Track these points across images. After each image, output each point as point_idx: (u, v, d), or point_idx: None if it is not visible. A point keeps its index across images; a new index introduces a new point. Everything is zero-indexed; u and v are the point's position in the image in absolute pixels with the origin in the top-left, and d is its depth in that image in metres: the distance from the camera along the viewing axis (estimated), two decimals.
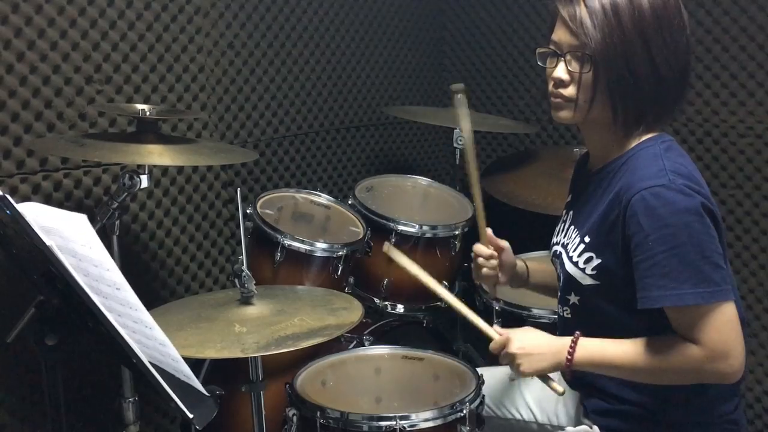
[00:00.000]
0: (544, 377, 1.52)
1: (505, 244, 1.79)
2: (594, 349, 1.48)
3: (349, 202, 2.42)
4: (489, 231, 1.78)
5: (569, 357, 1.48)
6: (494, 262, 1.77)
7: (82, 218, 1.12)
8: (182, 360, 1.24)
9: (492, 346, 1.55)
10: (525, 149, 3.16)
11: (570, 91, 1.48)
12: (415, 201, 2.66)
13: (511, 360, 1.51)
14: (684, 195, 1.38)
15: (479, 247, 1.78)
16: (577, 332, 1.50)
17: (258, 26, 2.53)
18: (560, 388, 1.52)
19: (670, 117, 1.53)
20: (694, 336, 1.39)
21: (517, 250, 2.50)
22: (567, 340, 1.50)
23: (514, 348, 1.50)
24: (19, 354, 1.93)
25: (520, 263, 1.83)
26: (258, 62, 2.54)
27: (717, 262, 1.39)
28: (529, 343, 1.51)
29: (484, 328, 1.60)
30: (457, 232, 2.40)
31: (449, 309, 2.47)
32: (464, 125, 1.80)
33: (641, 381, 1.49)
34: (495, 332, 1.56)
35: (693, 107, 2.68)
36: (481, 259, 1.77)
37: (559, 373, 1.60)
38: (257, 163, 2.57)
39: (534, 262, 1.86)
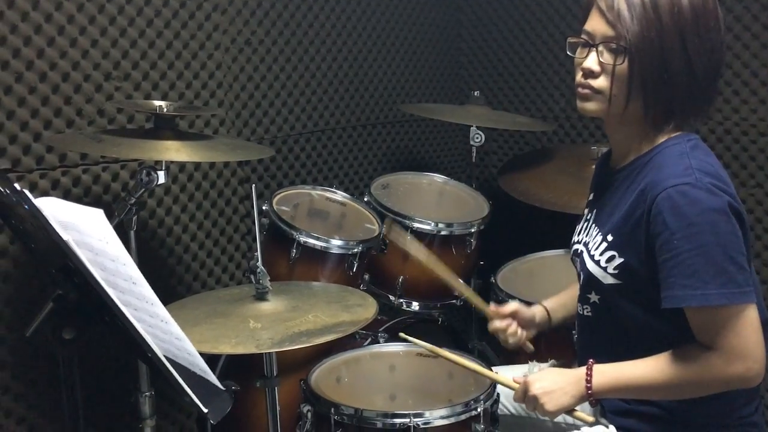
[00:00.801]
0: (570, 411, 1.51)
1: (513, 307, 1.79)
2: (611, 372, 1.47)
3: (365, 199, 2.42)
4: (491, 306, 1.81)
5: (588, 384, 1.47)
6: (514, 328, 1.78)
7: (99, 213, 1.13)
8: (198, 354, 1.25)
9: (515, 396, 1.56)
10: (542, 147, 3.15)
11: (599, 82, 1.46)
12: (431, 198, 2.65)
13: (535, 403, 1.50)
14: (711, 194, 1.37)
15: (495, 326, 1.79)
16: (591, 360, 1.50)
17: (275, 23, 2.54)
18: (589, 418, 1.51)
19: (699, 116, 1.51)
20: (714, 338, 1.38)
21: (534, 248, 2.52)
22: (583, 370, 1.49)
23: (534, 390, 1.50)
24: (37, 348, 1.95)
25: (539, 311, 1.82)
26: (275, 59, 2.55)
27: (741, 263, 1.37)
28: (547, 381, 1.50)
29: (503, 380, 1.62)
30: (472, 230, 2.39)
31: (465, 307, 2.50)
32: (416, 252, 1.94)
33: (665, 398, 1.48)
34: (513, 382, 1.57)
35: (713, 106, 2.65)
36: (501, 334, 1.79)
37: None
38: (273, 159, 2.58)
39: (552, 300, 1.85)
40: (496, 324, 1.79)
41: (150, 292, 1.18)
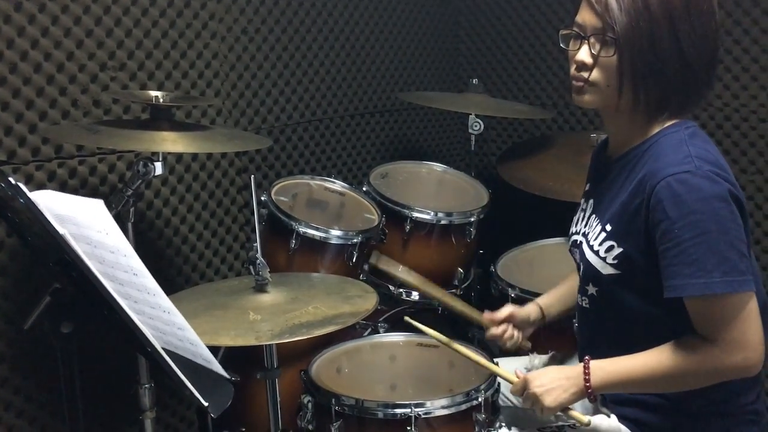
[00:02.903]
0: (566, 410, 1.50)
1: (507, 311, 1.78)
2: (609, 367, 1.47)
3: (364, 189, 2.41)
4: (485, 315, 1.80)
5: (587, 382, 1.46)
6: (510, 332, 1.78)
7: (99, 204, 1.11)
8: (202, 343, 1.24)
9: (512, 389, 1.56)
10: (541, 135, 3.13)
11: (593, 74, 1.45)
12: (430, 187, 2.64)
13: (533, 399, 1.49)
14: (710, 181, 1.36)
15: (492, 333, 1.78)
16: (587, 357, 1.49)
17: (272, 11, 2.52)
18: (585, 418, 1.50)
19: (696, 104, 1.49)
20: (714, 328, 1.37)
21: (534, 237, 2.51)
22: (580, 366, 1.48)
23: (533, 388, 1.49)
24: (36, 341, 1.94)
25: (533, 310, 1.80)
26: (272, 48, 2.53)
27: (742, 250, 1.37)
28: (546, 379, 1.49)
29: (503, 373, 1.61)
30: (472, 219, 2.38)
31: (465, 297, 2.50)
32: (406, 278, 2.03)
33: (664, 390, 1.47)
34: (514, 376, 1.56)
35: (713, 92, 2.64)
36: (500, 340, 1.78)
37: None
38: (271, 149, 2.57)
39: (547, 297, 1.84)
40: (493, 331, 1.78)
41: (152, 282, 1.17)
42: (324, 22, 2.70)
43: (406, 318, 1.71)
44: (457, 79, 3.31)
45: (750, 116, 2.61)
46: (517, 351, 1.84)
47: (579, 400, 1.50)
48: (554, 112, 3.05)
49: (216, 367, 1.27)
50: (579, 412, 1.51)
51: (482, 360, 1.66)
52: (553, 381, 1.49)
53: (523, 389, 1.52)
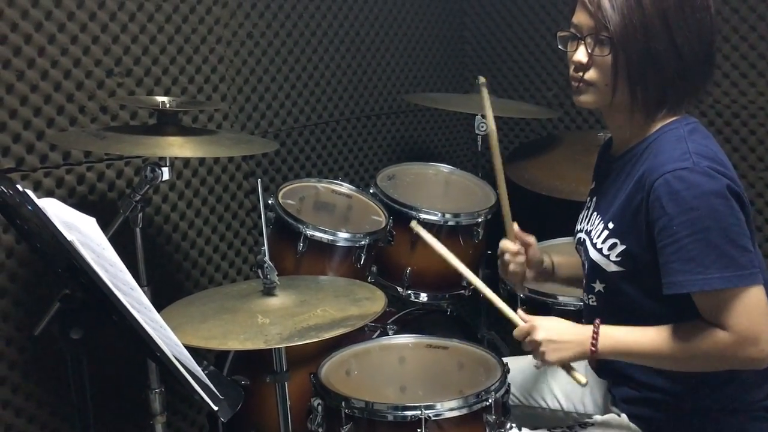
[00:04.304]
0: (567, 367, 1.50)
1: (531, 239, 1.76)
2: (618, 336, 1.46)
3: (371, 191, 2.41)
4: (515, 226, 1.76)
5: (593, 347, 1.45)
6: (521, 258, 1.75)
7: (91, 221, 1.12)
8: (195, 363, 1.25)
9: (516, 332, 1.52)
10: (548, 135, 3.13)
11: (591, 74, 1.46)
12: (437, 189, 2.64)
13: (535, 348, 1.48)
14: (708, 177, 1.36)
15: (506, 243, 1.75)
16: (597, 320, 1.48)
17: (277, 15, 2.52)
18: (583, 379, 1.50)
19: (695, 99, 1.50)
20: (723, 321, 1.37)
21: (541, 237, 2.47)
22: (590, 329, 1.47)
23: (538, 336, 1.47)
24: (46, 347, 1.95)
25: (546, 258, 1.80)
26: (277, 52, 2.53)
27: (744, 245, 1.36)
28: (554, 331, 1.48)
29: (509, 313, 1.56)
30: (479, 220, 2.38)
31: (473, 297, 2.49)
32: (489, 118, 1.77)
33: (668, 368, 1.47)
34: (520, 319, 1.53)
35: (720, 88, 2.63)
36: (507, 256, 1.74)
37: (585, 362, 1.57)
38: (278, 153, 2.57)
39: (560, 256, 1.83)
40: (509, 244, 1.74)
41: (146, 300, 1.19)
42: (329, 24, 2.70)
43: (413, 223, 1.64)
44: (462, 80, 3.31)
45: (758, 113, 2.60)
46: (511, 282, 1.77)
47: (580, 360, 1.49)
48: (561, 112, 3.05)
49: (210, 384, 1.27)
50: (580, 373, 1.50)
51: (490, 293, 1.60)
52: (559, 335, 1.47)
53: (527, 334, 1.49)
